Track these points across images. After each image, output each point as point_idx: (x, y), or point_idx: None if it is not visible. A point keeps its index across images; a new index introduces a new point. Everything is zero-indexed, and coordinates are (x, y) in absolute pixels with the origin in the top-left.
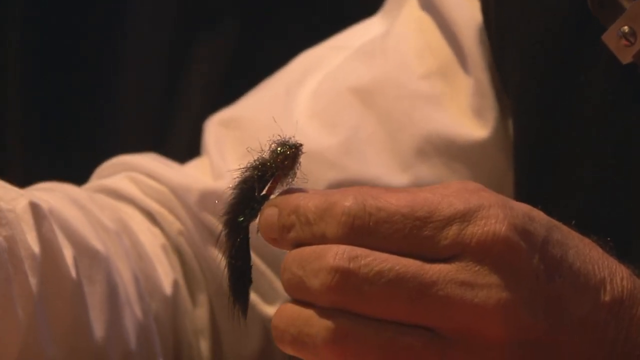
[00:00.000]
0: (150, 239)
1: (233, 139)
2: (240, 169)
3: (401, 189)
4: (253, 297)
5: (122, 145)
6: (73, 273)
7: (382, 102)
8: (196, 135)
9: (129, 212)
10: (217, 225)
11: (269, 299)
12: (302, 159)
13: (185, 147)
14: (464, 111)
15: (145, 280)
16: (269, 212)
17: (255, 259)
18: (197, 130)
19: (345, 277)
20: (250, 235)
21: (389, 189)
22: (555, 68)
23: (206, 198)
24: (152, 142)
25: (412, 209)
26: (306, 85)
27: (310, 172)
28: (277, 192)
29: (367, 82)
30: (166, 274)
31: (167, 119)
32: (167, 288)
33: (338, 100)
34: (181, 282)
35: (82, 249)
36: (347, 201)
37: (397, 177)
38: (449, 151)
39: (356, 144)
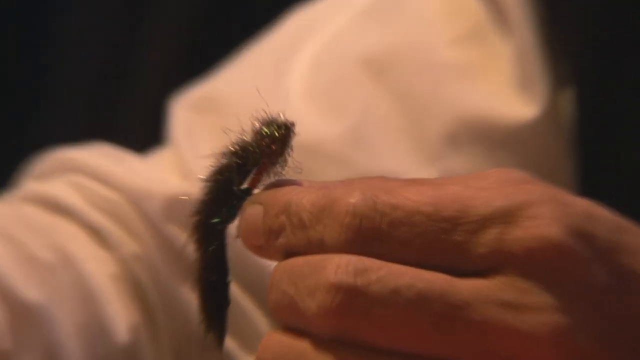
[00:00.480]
0: (98, 269)
1: (209, 126)
2: (215, 155)
3: (423, 180)
4: (230, 342)
5: (62, 136)
6: (5, 344)
7: (400, 77)
8: (154, 123)
9: (70, 232)
10: (184, 230)
11: (251, 345)
12: (298, 152)
13: (139, 138)
14: (504, 84)
15: (94, 329)
16: (251, 212)
17: (235, 288)
18: (155, 117)
19: (350, 297)
20: (228, 241)
21: (407, 180)
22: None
23: (173, 206)
24: (99, 132)
25: (437, 206)
26: (300, 56)
27: (308, 169)
28: (262, 185)
29: (380, 51)
30: (120, 317)
31: (117, 104)
32: (122, 336)
33: (342, 75)
34: (140, 325)
35: (13, 306)
36: (353, 197)
37: (421, 173)
38: (487, 136)
39: (367, 132)
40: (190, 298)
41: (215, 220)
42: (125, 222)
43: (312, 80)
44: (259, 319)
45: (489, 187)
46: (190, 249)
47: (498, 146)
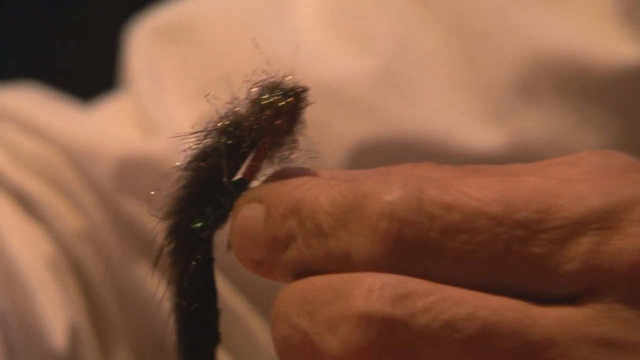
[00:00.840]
0: (25, 250)
1: (179, 60)
2: (197, 132)
3: (489, 169)
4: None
5: None
6: None
7: None
8: (105, 59)
9: None
10: (153, 231)
11: (243, 356)
12: (310, 109)
13: (86, 79)
14: (599, 14)
15: (20, 330)
16: (248, 213)
17: (222, 287)
18: (107, 51)
19: (386, 333)
20: (215, 254)
21: (465, 168)
22: None
23: (128, 169)
24: (32, 69)
25: (508, 206)
26: None
27: (325, 124)
28: (262, 175)
29: None
30: (55, 314)
31: (54, 32)
32: (58, 338)
33: None
34: (83, 325)
35: None
36: (390, 192)
37: (483, 132)
38: (574, 84)
39: (405, 72)
40: (152, 287)
41: (198, 224)
42: (64, 188)
43: (329, 1)
44: (253, 324)
45: (581, 177)
46: (162, 261)
47: (589, 98)
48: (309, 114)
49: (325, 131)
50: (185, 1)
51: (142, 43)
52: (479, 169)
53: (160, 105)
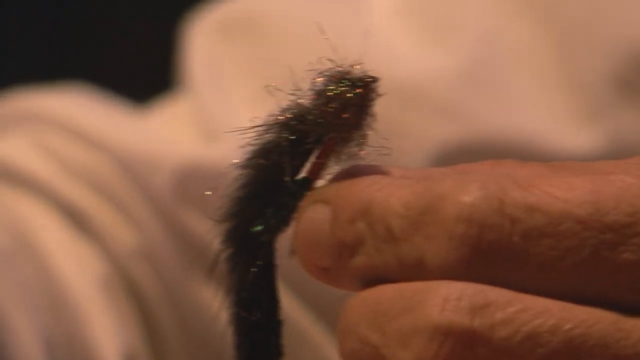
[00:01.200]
0: (77, 271)
1: (244, 58)
2: (257, 127)
3: (576, 166)
4: None
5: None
6: None
7: None
8: (160, 57)
9: (33, 213)
10: (211, 238)
11: None
12: (384, 104)
13: (137, 79)
14: None
15: (69, 357)
16: (313, 216)
17: (285, 297)
18: (162, 48)
19: (464, 346)
20: (277, 260)
21: (551, 165)
22: None
23: (192, 179)
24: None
25: (598, 207)
26: None
27: (406, 126)
28: (327, 174)
29: None
30: (108, 340)
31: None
32: None
33: None
34: (139, 350)
35: None
36: (469, 193)
37: (577, 133)
38: None
39: (491, 69)
40: (213, 306)
41: (258, 227)
42: (117, 201)
43: None
44: (319, 337)
45: None
46: (220, 269)
47: None
48: (388, 114)
49: (406, 133)
50: None
51: (203, 41)
52: (566, 167)
53: (224, 108)
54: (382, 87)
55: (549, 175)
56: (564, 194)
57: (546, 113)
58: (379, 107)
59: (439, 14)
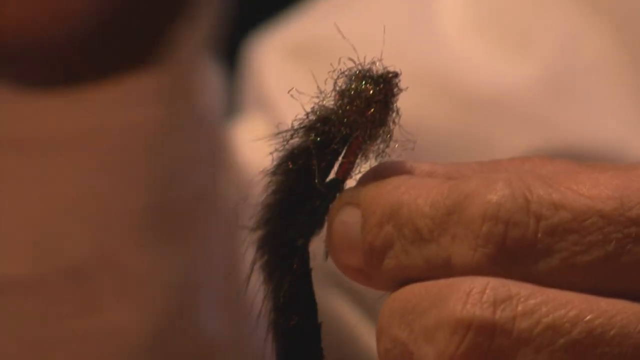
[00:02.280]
0: None
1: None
2: (283, 132)
3: (605, 165)
4: None
5: None
6: None
7: None
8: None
9: None
10: (245, 247)
11: None
12: (465, 108)
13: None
14: None
15: None
16: (344, 219)
17: (333, 296)
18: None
19: (485, 339)
20: (312, 263)
21: (580, 165)
22: None
23: None
24: None
25: (622, 201)
26: None
27: (489, 138)
28: (357, 173)
29: None
30: None
31: None
32: None
33: None
34: None
35: None
36: (494, 191)
37: None
38: None
39: (573, 77)
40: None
41: (292, 233)
42: None
43: (477, 2)
44: (365, 334)
45: None
46: (257, 279)
47: None
48: (470, 125)
49: (489, 145)
50: (310, 18)
51: (275, 60)
52: (595, 165)
53: None
54: (401, 91)
55: (576, 172)
56: (588, 191)
57: (626, 122)
58: (462, 120)
59: (515, 25)
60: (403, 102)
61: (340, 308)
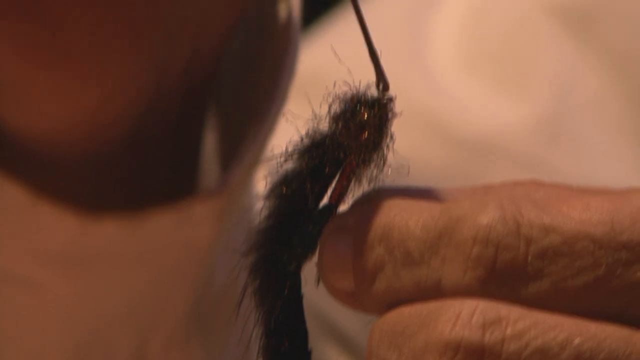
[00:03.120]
0: None
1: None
2: (277, 156)
3: (597, 190)
4: None
5: None
6: None
7: (618, 35)
8: None
9: None
10: (238, 269)
11: None
12: (462, 156)
13: None
14: None
15: None
16: (335, 242)
17: (312, 327)
18: None
19: None
20: (302, 288)
21: (571, 188)
22: None
23: None
24: None
25: (614, 227)
26: (443, 9)
27: (484, 181)
28: (351, 198)
29: None
30: None
31: None
32: None
33: (521, 33)
34: None
35: None
36: (485, 214)
37: None
38: None
39: (569, 119)
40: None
41: (285, 258)
42: None
43: (470, 42)
44: None
45: None
46: (246, 300)
47: None
48: (466, 167)
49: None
50: (308, 49)
51: None
52: (587, 189)
53: None
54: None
55: (568, 196)
56: (579, 214)
57: (623, 164)
58: (456, 161)
59: (509, 65)
60: (396, 142)
61: (318, 339)
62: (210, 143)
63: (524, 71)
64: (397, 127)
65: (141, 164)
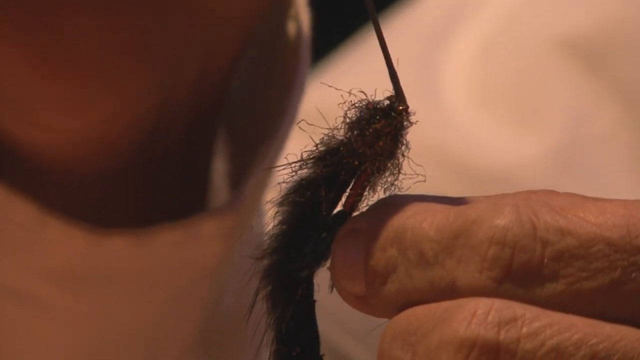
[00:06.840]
0: None
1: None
2: (292, 163)
3: (614, 199)
4: None
5: None
6: None
7: (627, 68)
8: None
9: None
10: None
11: None
12: (475, 184)
13: None
14: None
15: None
16: (347, 245)
17: (327, 329)
18: None
19: (488, 359)
20: (316, 295)
21: (583, 196)
22: None
23: None
24: None
25: (628, 229)
26: (456, 42)
27: None
28: (364, 206)
29: (591, 31)
30: None
31: None
32: None
33: (534, 67)
34: None
35: None
36: (502, 216)
37: None
38: None
39: (582, 152)
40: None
41: (297, 264)
42: None
43: (484, 75)
44: None
45: None
46: (259, 306)
47: None
48: (415, 164)
49: None
50: (318, 84)
51: None
52: (602, 198)
53: None
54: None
55: (583, 202)
56: (595, 218)
57: (636, 197)
58: (472, 194)
59: (522, 100)
60: (408, 179)
61: (333, 340)
62: (220, 160)
63: (536, 105)
64: (410, 161)
65: (150, 181)
